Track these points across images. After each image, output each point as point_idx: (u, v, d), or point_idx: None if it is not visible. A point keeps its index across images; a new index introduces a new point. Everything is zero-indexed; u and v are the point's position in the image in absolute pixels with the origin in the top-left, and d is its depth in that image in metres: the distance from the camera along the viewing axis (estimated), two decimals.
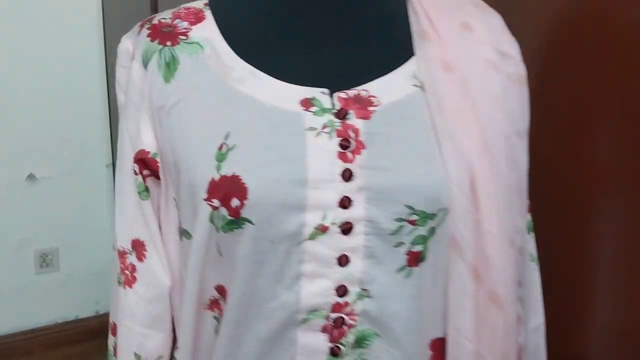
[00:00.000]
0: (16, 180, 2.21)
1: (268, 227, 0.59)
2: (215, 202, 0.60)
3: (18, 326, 2.24)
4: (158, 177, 0.67)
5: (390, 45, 0.65)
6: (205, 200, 0.60)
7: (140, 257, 0.69)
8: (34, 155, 2.21)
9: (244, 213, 0.59)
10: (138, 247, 0.69)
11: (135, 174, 0.67)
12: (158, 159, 0.66)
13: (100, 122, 2.30)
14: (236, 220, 0.60)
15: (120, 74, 0.69)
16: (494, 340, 0.63)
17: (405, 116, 0.62)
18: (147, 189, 0.67)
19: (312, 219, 0.59)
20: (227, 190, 0.59)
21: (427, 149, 0.61)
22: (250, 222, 0.59)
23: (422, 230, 0.61)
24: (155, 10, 1.52)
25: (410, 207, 0.60)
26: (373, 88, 0.63)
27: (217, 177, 0.60)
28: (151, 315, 0.69)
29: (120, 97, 0.70)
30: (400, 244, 0.61)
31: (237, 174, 0.59)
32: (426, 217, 0.60)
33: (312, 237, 0.60)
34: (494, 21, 0.68)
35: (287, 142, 0.60)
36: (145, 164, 0.66)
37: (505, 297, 0.63)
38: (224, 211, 0.60)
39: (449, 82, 0.63)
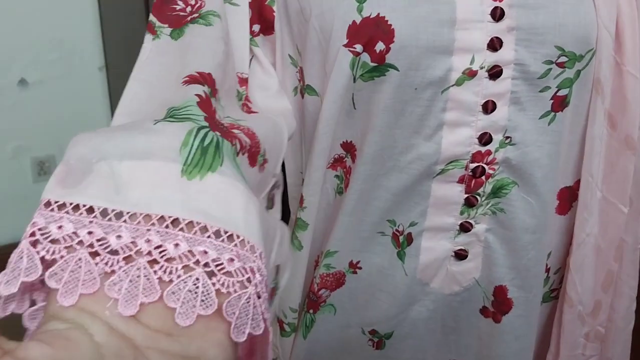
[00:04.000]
0: (7, 86, 2.10)
1: (414, 72, 0.56)
2: (358, 48, 0.56)
3: (16, 236, 2.19)
4: (268, 32, 0.62)
5: None
6: (346, 46, 0.56)
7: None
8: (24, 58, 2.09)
9: (389, 58, 0.55)
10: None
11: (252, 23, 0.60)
12: (275, 7, 0.60)
13: (91, 22, 2.17)
14: (379, 67, 0.56)
15: None
16: (624, 186, 0.63)
17: None
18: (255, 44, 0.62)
19: (459, 63, 0.56)
20: (372, 34, 0.55)
21: None
22: (395, 68, 0.56)
23: (569, 73, 0.58)
24: None
25: (561, 48, 0.57)
26: None
27: (358, 19, 0.56)
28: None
29: None
30: (546, 88, 0.58)
31: (382, 15, 0.55)
32: (575, 58, 0.58)
33: (458, 83, 0.57)
34: None
35: None
36: (261, 13, 0.60)
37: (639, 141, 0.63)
38: (366, 57, 0.56)
39: None
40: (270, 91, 0.60)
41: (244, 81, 0.57)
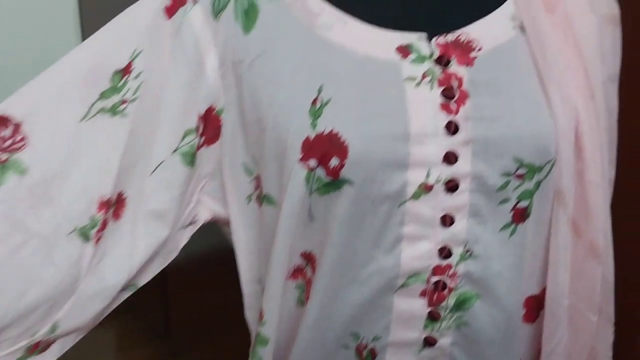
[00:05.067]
0: None
1: (369, 187, 0.55)
2: (312, 163, 0.55)
3: None
4: (212, 141, 0.60)
5: None
6: (300, 161, 0.55)
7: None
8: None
9: (344, 173, 0.54)
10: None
11: (199, 134, 0.59)
12: (222, 116, 0.59)
13: None
14: (334, 182, 0.55)
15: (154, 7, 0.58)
16: (592, 294, 0.62)
17: (509, 62, 0.58)
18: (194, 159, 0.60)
19: (415, 177, 0.55)
20: (326, 149, 0.54)
21: (533, 96, 0.58)
22: (350, 182, 0.55)
23: (528, 185, 0.57)
24: None
25: (519, 160, 0.56)
26: (473, 31, 0.58)
27: (312, 135, 0.55)
28: None
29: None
30: (505, 200, 0.57)
31: (335, 131, 0.54)
32: (534, 170, 0.57)
33: (415, 197, 0.56)
34: None
35: (386, 93, 0.55)
36: (208, 121, 0.59)
37: (605, 248, 0.61)
38: (321, 172, 0.55)
39: (551, 23, 0.59)
40: (154, 213, 0.59)
41: (104, 204, 0.56)
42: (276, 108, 0.56)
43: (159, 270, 0.62)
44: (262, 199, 0.60)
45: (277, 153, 0.57)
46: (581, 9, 0.61)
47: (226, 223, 0.64)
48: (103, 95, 0.56)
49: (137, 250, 0.59)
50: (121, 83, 0.57)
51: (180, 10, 0.58)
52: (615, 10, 0.64)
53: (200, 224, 0.64)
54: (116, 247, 0.58)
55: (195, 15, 0.58)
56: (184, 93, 0.58)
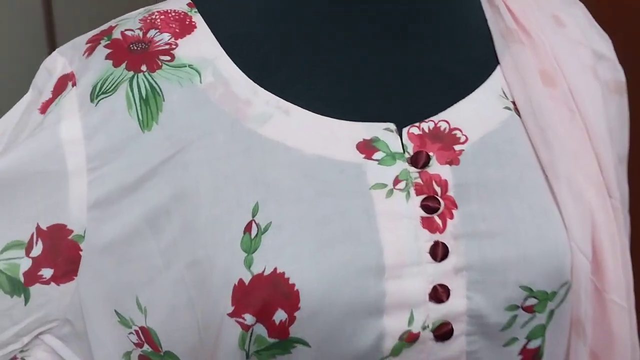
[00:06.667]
0: None
1: (330, 346, 0.40)
2: (248, 319, 0.38)
3: None
4: (65, 279, 0.43)
5: (467, 53, 0.46)
6: (231, 315, 0.39)
7: None
8: None
9: (295, 331, 0.39)
10: None
11: (29, 255, 0.42)
12: (82, 245, 0.42)
13: None
14: (282, 343, 0.39)
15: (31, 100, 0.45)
16: None
17: (503, 153, 0.44)
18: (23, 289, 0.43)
19: (394, 325, 0.40)
20: (267, 298, 0.38)
21: (537, 198, 0.44)
22: (304, 343, 0.39)
23: (540, 319, 0.43)
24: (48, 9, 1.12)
25: (528, 289, 0.42)
26: (455, 117, 0.44)
27: (247, 277, 0.39)
28: None
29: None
30: (512, 340, 0.43)
31: (280, 270, 0.38)
32: (547, 298, 0.43)
33: (395, 353, 0.41)
34: (579, 12, 0.52)
35: (347, 209, 0.41)
36: (58, 250, 0.42)
37: None
38: (261, 330, 0.39)
39: (551, 99, 0.46)
40: None
41: None
42: (193, 236, 0.40)
43: None
44: (162, 357, 0.43)
45: (194, 300, 0.40)
46: (585, 78, 0.48)
47: None
48: None
49: None
50: None
51: (56, 99, 0.44)
52: (621, 76, 0.51)
53: None
54: None
55: (69, 100, 0.43)
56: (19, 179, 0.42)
